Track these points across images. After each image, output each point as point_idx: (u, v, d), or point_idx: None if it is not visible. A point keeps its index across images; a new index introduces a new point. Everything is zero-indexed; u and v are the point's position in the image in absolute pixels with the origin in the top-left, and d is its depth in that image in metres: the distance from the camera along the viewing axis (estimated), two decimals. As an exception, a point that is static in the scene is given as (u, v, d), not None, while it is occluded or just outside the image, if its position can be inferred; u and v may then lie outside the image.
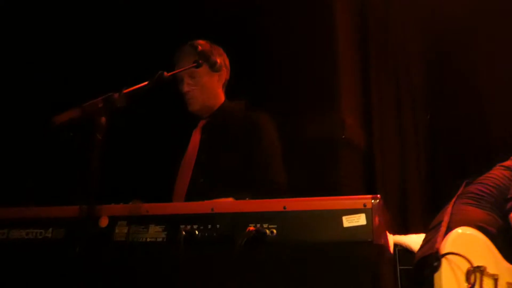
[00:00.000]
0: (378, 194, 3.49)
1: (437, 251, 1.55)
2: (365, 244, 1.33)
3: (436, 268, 1.53)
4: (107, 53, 3.04)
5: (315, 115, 3.11)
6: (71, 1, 3.01)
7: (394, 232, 2.52)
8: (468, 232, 1.64)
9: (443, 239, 1.60)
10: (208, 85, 2.31)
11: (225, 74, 2.37)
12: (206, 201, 1.54)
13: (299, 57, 3.19)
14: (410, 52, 3.37)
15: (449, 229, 1.65)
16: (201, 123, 2.37)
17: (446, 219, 1.70)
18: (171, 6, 3.20)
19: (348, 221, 1.35)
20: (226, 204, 1.53)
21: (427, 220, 2.31)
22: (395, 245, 2.44)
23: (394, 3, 3.34)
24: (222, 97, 2.38)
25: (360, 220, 1.34)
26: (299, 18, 3.18)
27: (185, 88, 2.29)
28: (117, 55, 3.05)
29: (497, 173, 1.76)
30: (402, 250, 2.41)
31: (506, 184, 1.71)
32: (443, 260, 1.53)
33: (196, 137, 2.35)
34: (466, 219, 1.70)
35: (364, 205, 1.35)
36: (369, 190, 3.26)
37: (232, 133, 2.27)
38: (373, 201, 1.36)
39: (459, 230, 1.63)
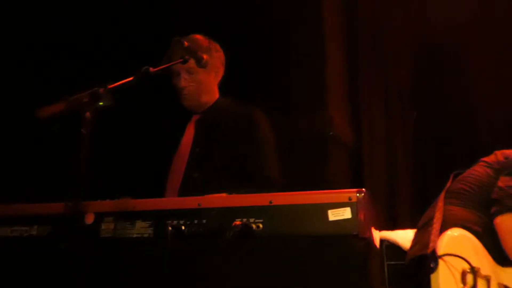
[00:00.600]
0: (366, 189, 3.55)
1: (434, 252, 1.56)
2: (351, 238, 1.37)
3: (433, 269, 1.54)
4: (99, 48, 3.05)
5: (302, 112, 3.16)
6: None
7: (382, 228, 2.57)
8: (460, 234, 1.65)
9: (437, 239, 1.61)
10: (205, 81, 2.35)
11: (221, 71, 2.42)
12: (193, 197, 1.56)
13: (287, 54, 3.23)
14: (398, 48, 3.43)
15: (442, 229, 1.66)
16: (195, 117, 2.40)
17: (438, 216, 1.71)
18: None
19: (334, 215, 1.39)
20: (213, 199, 1.56)
21: (415, 215, 2.36)
22: (382, 240, 2.48)
23: (383, 4, 3.40)
24: (216, 94, 2.42)
25: (345, 213, 1.38)
26: (287, 15, 3.22)
27: (182, 83, 2.31)
28: (112, 50, 3.06)
29: (480, 169, 1.79)
30: (390, 245, 2.45)
31: (488, 181, 1.73)
32: (440, 261, 1.54)
33: (190, 132, 2.38)
34: (453, 219, 1.72)
35: (350, 199, 1.39)
36: (357, 186, 3.31)
37: (226, 128, 2.30)
38: (358, 194, 1.39)
39: (453, 232, 1.64)
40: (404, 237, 2.28)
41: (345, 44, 3.46)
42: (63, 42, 2.97)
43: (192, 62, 2.15)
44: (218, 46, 2.41)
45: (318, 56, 3.23)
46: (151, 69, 1.66)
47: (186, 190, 2.20)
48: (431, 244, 1.60)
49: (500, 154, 1.75)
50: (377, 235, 1.71)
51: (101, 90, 1.47)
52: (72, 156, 1.42)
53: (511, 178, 1.66)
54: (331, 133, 3.18)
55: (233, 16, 3.23)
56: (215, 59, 2.40)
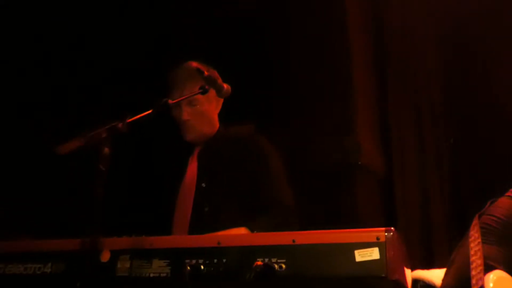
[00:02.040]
0: (398, 223, 3.51)
1: None
2: (379, 280, 1.37)
3: None
4: (106, 80, 3.15)
5: (329, 139, 3.17)
6: (75, 26, 3.14)
7: (416, 266, 2.54)
8: (506, 275, 1.62)
9: (482, 276, 1.57)
10: (207, 113, 2.39)
11: (221, 100, 2.42)
12: (212, 234, 1.59)
13: (313, 79, 3.26)
14: (429, 71, 3.43)
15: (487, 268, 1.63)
16: (197, 150, 2.43)
17: (476, 249, 1.66)
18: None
19: (361, 255, 1.39)
20: (233, 237, 1.59)
21: (453, 251, 2.33)
22: (417, 281, 2.45)
23: (411, 20, 3.42)
24: (217, 123, 2.45)
25: (373, 254, 1.38)
26: (312, 38, 3.27)
27: (185, 116, 2.34)
28: (115, 81, 3.17)
29: (505, 201, 1.77)
30: (425, 286, 2.42)
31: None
32: None
33: (193, 165, 2.41)
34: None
35: (377, 238, 1.39)
36: (389, 219, 3.29)
37: (231, 158, 2.33)
38: (386, 233, 1.39)
39: (500, 273, 1.61)
40: (441, 276, 2.25)
41: (373, 67, 3.49)
42: (79, 79, 3.08)
43: (195, 92, 2.22)
44: (217, 73, 2.34)
45: (345, 79, 3.25)
46: (169, 101, 1.71)
47: (197, 225, 2.23)
48: (474, 281, 1.57)
49: None
50: (409, 276, 1.70)
51: (120, 124, 1.53)
52: (90, 192, 1.48)
53: None
54: (359, 161, 3.18)
55: (257, 38, 3.30)
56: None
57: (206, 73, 1.93)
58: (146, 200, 2.63)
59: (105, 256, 1.59)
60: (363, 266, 1.38)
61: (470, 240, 1.68)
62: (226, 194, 2.29)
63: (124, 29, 3.11)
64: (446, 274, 1.79)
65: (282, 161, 2.40)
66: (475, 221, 1.73)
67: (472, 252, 1.64)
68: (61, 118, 2.83)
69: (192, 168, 2.40)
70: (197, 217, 2.27)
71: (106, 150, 1.46)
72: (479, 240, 1.67)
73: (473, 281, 1.56)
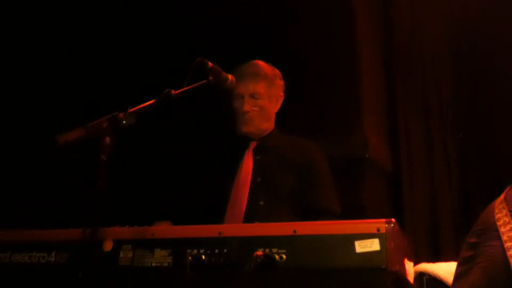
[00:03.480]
0: (405, 217, 3.48)
1: None
2: (379, 271, 1.35)
3: None
4: (115, 70, 3.17)
5: (336, 133, 3.15)
6: (80, 16, 3.16)
7: (423, 259, 2.52)
8: None
9: None
10: (267, 109, 2.45)
11: (281, 100, 2.52)
12: (213, 225, 1.59)
13: (321, 74, 3.25)
14: (438, 66, 3.40)
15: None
16: (253, 144, 2.47)
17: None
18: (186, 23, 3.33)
19: (361, 247, 1.38)
20: (234, 227, 1.59)
21: (460, 245, 2.30)
22: (423, 273, 2.43)
23: (421, 16, 3.39)
24: (273, 122, 2.51)
25: (373, 245, 1.37)
26: (321, 35, 3.26)
27: (246, 107, 2.39)
28: (129, 72, 3.19)
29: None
30: (430, 279, 2.40)
31: None
32: None
33: (248, 159, 2.43)
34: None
35: (378, 230, 1.38)
36: (396, 213, 3.27)
37: (287, 157, 2.39)
38: (387, 225, 1.38)
39: None
40: (447, 270, 2.23)
41: (381, 61, 3.47)
42: (81, 66, 3.10)
43: (259, 87, 2.34)
44: (281, 75, 2.52)
45: (353, 74, 3.24)
46: (172, 91, 1.71)
47: (252, 218, 2.26)
48: None
49: None
50: (411, 268, 1.68)
51: (121, 114, 1.53)
52: (91, 182, 1.48)
53: None
54: (367, 155, 3.16)
55: (267, 36, 3.30)
56: (278, 87, 2.51)
57: (210, 64, 1.92)
58: (200, 192, 2.66)
59: (108, 246, 1.59)
60: (363, 257, 1.37)
61: (498, 224, 1.60)
62: (281, 191, 2.34)
63: (126, 20, 3.12)
64: (467, 275, 1.64)
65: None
66: (502, 204, 1.64)
67: (505, 238, 1.56)
68: (61, 108, 2.85)
69: (247, 162, 2.42)
70: (252, 210, 2.30)
71: (107, 140, 1.47)
72: (511, 225, 1.61)
73: None
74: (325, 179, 2.41)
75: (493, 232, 1.59)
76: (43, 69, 3.05)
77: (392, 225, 1.39)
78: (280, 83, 2.52)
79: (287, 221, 2.07)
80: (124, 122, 1.55)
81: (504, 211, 1.59)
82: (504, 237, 1.55)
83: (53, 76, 3.03)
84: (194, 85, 1.99)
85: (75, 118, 1.60)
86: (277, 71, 2.52)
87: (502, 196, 1.68)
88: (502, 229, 1.57)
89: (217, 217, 2.34)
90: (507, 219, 1.58)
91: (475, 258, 1.61)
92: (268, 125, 2.48)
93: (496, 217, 1.60)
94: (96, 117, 1.52)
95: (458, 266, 1.73)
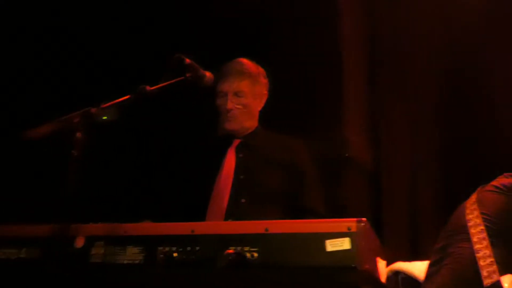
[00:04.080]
0: (384, 216, 3.49)
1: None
2: (349, 270, 1.35)
3: None
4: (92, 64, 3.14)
5: (317, 132, 3.16)
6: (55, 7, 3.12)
7: (402, 259, 2.53)
8: None
9: (496, 271, 1.49)
10: (250, 106, 2.44)
11: (265, 98, 2.52)
12: (186, 222, 1.58)
13: (303, 73, 3.25)
14: (420, 66, 3.41)
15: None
16: (236, 142, 2.46)
17: (486, 244, 1.57)
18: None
19: (332, 245, 1.38)
20: (207, 225, 1.58)
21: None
22: (398, 272, 2.45)
23: (404, 16, 3.40)
24: (257, 120, 2.51)
25: (344, 244, 1.37)
26: (304, 33, 3.26)
27: (229, 105, 2.39)
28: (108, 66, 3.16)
29: (492, 197, 1.69)
30: (406, 278, 2.42)
31: (504, 208, 1.64)
32: None
33: (231, 157, 2.43)
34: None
35: (349, 229, 1.38)
36: (375, 212, 3.28)
37: (271, 155, 2.39)
38: (358, 224, 1.38)
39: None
40: (422, 269, 2.23)
41: (364, 60, 3.47)
42: (54, 59, 3.06)
43: (243, 85, 2.32)
44: (265, 73, 2.52)
45: (335, 72, 3.24)
46: (147, 87, 1.70)
47: (233, 216, 2.25)
48: (485, 273, 1.50)
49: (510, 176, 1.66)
50: (383, 268, 1.69)
51: (93, 110, 1.51)
52: (63, 177, 1.46)
53: None
54: (347, 154, 3.17)
55: (251, 34, 3.29)
56: (262, 85, 2.51)
57: (187, 61, 1.91)
58: (182, 189, 2.64)
59: (80, 242, 1.58)
60: (334, 256, 1.37)
61: (469, 225, 1.60)
62: (264, 189, 2.33)
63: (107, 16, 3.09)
64: (435, 275, 1.65)
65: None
66: (474, 205, 1.63)
67: (475, 240, 1.57)
68: (30, 102, 2.82)
69: (230, 160, 2.42)
70: (233, 208, 2.29)
71: (79, 135, 1.45)
72: (482, 227, 1.61)
73: (484, 273, 1.50)
74: (311, 180, 2.41)
75: (463, 233, 1.60)
76: (12, 63, 3.01)
77: (363, 224, 1.39)
78: (264, 81, 2.52)
79: (269, 220, 2.09)
80: (105, 117, 1.53)
81: (476, 213, 1.60)
82: (474, 239, 1.56)
83: (22, 69, 2.99)
84: (171, 81, 1.98)
85: (46, 112, 1.57)
86: (261, 69, 2.52)
87: (473, 198, 1.68)
88: (472, 231, 1.58)
89: (199, 214, 2.34)
90: (478, 221, 1.58)
91: (444, 259, 1.61)
92: (251, 123, 2.47)
93: (467, 218, 1.60)
94: (68, 111, 1.50)
95: (428, 267, 1.74)
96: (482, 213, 1.61)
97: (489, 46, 3.15)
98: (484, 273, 1.49)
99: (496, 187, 1.65)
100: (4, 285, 1.64)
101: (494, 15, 3.13)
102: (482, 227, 1.58)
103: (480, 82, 3.24)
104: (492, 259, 1.51)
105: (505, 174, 1.69)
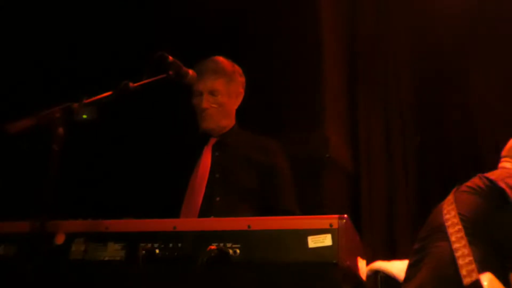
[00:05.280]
0: (363, 216, 3.53)
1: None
2: (330, 266, 1.37)
3: None
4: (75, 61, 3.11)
5: (297, 132, 3.17)
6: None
7: (380, 258, 2.56)
8: (495, 279, 1.51)
9: (474, 269, 1.50)
10: (226, 105, 2.43)
11: (241, 96, 2.50)
12: (168, 219, 1.57)
13: (283, 72, 3.26)
14: (400, 68, 3.47)
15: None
16: (212, 141, 2.45)
17: (464, 243, 1.58)
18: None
19: (314, 242, 1.39)
20: (189, 222, 1.57)
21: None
22: (377, 271, 2.47)
23: (383, 21, 3.45)
24: (234, 119, 2.50)
25: (325, 240, 1.38)
26: (285, 32, 3.27)
27: (205, 104, 2.37)
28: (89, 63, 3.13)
29: (466, 197, 1.72)
30: (385, 277, 2.44)
31: (478, 209, 1.66)
32: None
33: (207, 155, 2.41)
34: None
35: (330, 225, 1.39)
36: (355, 211, 3.32)
37: (248, 155, 2.37)
38: (339, 221, 1.40)
39: (490, 276, 1.50)
40: (401, 268, 2.26)
41: (344, 61, 3.51)
42: (36, 54, 3.02)
43: (218, 83, 2.32)
44: (241, 71, 2.50)
45: (314, 73, 3.26)
46: (130, 84, 1.68)
47: (207, 214, 2.24)
48: (464, 272, 1.51)
49: (485, 179, 1.70)
50: (364, 266, 1.71)
51: (75, 105, 1.49)
52: (43, 173, 1.44)
53: None
54: (327, 155, 3.19)
55: (228, 32, 3.29)
56: (238, 83, 2.49)
57: (170, 58, 1.90)
58: (157, 187, 2.62)
59: (60, 239, 1.56)
60: (315, 252, 1.38)
61: (447, 224, 1.63)
62: (239, 187, 2.32)
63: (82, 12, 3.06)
64: (414, 275, 1.69)
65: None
66: (452, 206, 1.65)
67: (453, 239, 1.59)
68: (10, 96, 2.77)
69: (206, 158, 2.40)
70: (207, 206, 2.28)
71: (60, 130, 1.43)
72: (460, 226, 1.63)
73: (463, 272, 1.52)
74: (287, 182, 2.41)
75: (441, 233, 1.63)
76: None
77: (345, 221, 1.40)
78: (240, 79, 2.51)
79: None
80: (84, 116, 1.51)
81: (453, 213, 1.63)
82: (453, 238, 1.58)
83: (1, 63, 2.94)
84: (154, 78, 1.96)
85: (27, 106, 1.55)
86: (237, 67, 2.50)
87: (451, 198, 1.71)
88: (450, 230, 1.61)
89: (173, 212, 2.33)
90: (455, 220, 1.61)
91: (424, 259, 1.63)
92: (228, 121, 2.47)
93: (444, 218, 1.63)
94: (48, 106, 1.48)
95: (408, 268, 1.76)
96: (459, 213, 1.65)
97: (467, 50, 3.22)
98: (463, 272, 1.52)
99: (472, 188, 1.69)
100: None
101: (473, 21, 3.19)
102: (460, 227, 1.61)
103: (457, 84, 3.30)
104: (470, 258, 1.54)
105: (479, 175, 1.73)
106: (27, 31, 3.04)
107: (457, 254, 1.56)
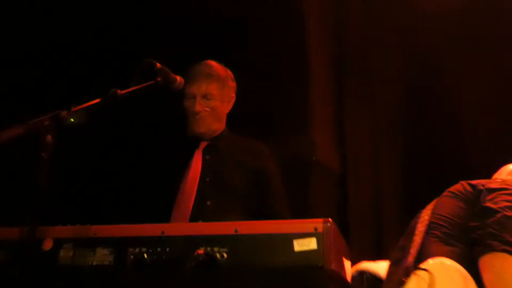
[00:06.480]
0: (350, 219, 3.55)
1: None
2: (316, 269, 1.40)
3: None
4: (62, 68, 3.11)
5: (284, 136, 3.20)
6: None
7: (367, 258, 2.59)
8: (452, 264, 1.56)
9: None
10: (218, 109, 2.46)
11: (233, 101, 2.54)
12: (156, 224, 1.59)
13: (270, 76, 3.29)
14: (387, 70, 3.50)
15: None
16: (203, 144, 2.47)
17: (418, 241, 1.65)
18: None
19: (299, 245, 1.42)
20: (177, 226, 1.60)
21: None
22: (363, 272, 2.51)
23: (370, 24, 3.48)
24: (224, 123, 2.53)
25: (311, 244, 1.41)
26: (270, 36, 3.30)
27: (197, 107, 2.40)
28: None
29: (447, 201, 1.77)
30: (371, 278, 2.48)
31: (459, 213, 1.72)
32: None
33: (197, 159, 2.44)
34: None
35: (315, 229, 1.42)
36: (342, 214, 3.35)
37: (239, 159, 2.41)
38: (324, 224, 1.43)
39: (444, 260, 1.55)
40: (386, 268, 2.30)
41: (330, 64, 3.54)
42: (25, 60, 3.03)
43: (212, 88, 2.35)
44: (233, 76, 2.55)
45: (301, 77, 3.29)
46: (118, 91, 1.70)
47: (198, 218, 2.27)
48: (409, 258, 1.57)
49: (467, 184, 1.76)
50: (349, 268, 1.74)
51: (64, 112, 1.51)
52: (31, 180, 1.45)
53: (487, 214, 1.65)
54: (314, 158, 3.22)
55: (218, 37, 3.31)
56: (230, 88, 2.53)
57: (158, 65, 1.92)
58: (148, 191, 2.63)
59: (48, 245, 1.57)
60: (301, 256, 1.41)
61: (419, 221, 1.70)
62: (230, 191, 2.35)
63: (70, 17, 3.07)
64: (394, 274, 1.74)
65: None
66: (429, 211, 1.72)
67: (416, 232, 1.65)
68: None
69: (196, 162, 2.42)
70: (198, 210, 2.30)
71: (49, 137, 1.45)
72: (427, 222, 1.68)
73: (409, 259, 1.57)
74: (277, 186, 2.45)
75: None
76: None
77: (329, 224, 1.43)
78: (232, 84, 2.55)
79: (239, 221, 2.11)
80: (72, 120, 1.52)
81: (429, 212, 1.70)
82: (416, 232, 1.64)
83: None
84: (142, 85, 1.98)
85: (15, 114, 1.56)
86: (229, 72, 2.54)
87: (432, 203, 1.79)
88: (418, 226, 1.67)
89: (164, 216, 2.34)
90: (426, 217, 1.68)
91: (403, 259, 1.68)
92: (219, 125, 2.50)
93: (420, 219, 1.70)
94: (36, 115, 1.49)
95: (389, 267, 1.81)
96: (433, 213, 1.72)
97: (455, 52, 3.26)
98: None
99: (452, 192, 1.76)
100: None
101: (463, 23, 3.24)
102: (427, 222, 1.68)
103: (445, 86, 3.34)
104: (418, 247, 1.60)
105: (461, 182, 1.79)
106: (16, 40, 3.04)
107: (413, 243, 1.63)
